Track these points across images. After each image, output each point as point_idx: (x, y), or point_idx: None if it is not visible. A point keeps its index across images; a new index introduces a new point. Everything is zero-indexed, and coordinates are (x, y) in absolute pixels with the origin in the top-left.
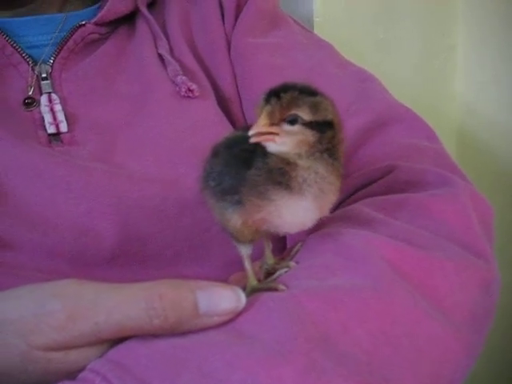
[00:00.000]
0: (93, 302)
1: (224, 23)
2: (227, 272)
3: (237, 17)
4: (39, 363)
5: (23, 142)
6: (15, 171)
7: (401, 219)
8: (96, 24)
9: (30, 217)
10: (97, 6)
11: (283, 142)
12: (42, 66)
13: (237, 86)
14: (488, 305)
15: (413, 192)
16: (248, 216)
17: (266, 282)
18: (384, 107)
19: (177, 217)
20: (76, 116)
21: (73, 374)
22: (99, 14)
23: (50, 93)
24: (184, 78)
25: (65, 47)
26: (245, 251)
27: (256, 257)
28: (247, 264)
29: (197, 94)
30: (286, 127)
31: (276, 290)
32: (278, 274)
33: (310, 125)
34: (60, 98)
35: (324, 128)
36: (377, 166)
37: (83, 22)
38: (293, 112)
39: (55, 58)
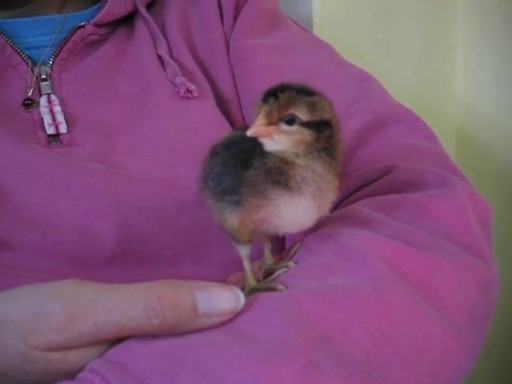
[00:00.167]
0: (92, 303)
1: (223, 24)
2: (227, 272)
3: (236, 17)
4: (38, 363)
5: (23, 142)
6: (15, 172)
7: (400, 219)
8: (95, 25)
9: (29, 217)
10: (96, 7)
11: (280, 139)
12: (42, 67)
13: (236, 87)
14: (487, 305)
15: (412, 192)
16: (247, 216)
17: (264, 282)
18: (383, 108)
19: (176, 217)
20: (75, 117)
21: (72, 374)
22: (98, 15)
23: (49, 94)
24: (183, 78)
25: (64, 48)
26: (243, 251)
27: (255, 257)
28: (246, 264)
29: (195, 94)
30: (284, 127)
31: (275, 290)
32: (276, 274)
33: (307, 124)
34: (59, 98)
35: (321, 127)
36: (376, 166)
37: (82, 23)
38: (290, 112)
39: (54, 59)
